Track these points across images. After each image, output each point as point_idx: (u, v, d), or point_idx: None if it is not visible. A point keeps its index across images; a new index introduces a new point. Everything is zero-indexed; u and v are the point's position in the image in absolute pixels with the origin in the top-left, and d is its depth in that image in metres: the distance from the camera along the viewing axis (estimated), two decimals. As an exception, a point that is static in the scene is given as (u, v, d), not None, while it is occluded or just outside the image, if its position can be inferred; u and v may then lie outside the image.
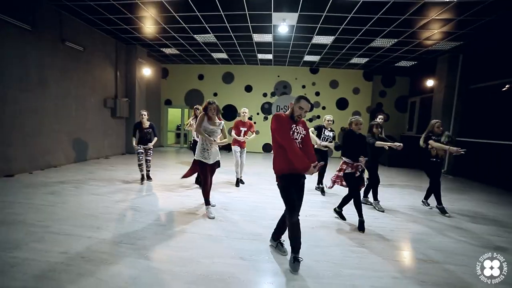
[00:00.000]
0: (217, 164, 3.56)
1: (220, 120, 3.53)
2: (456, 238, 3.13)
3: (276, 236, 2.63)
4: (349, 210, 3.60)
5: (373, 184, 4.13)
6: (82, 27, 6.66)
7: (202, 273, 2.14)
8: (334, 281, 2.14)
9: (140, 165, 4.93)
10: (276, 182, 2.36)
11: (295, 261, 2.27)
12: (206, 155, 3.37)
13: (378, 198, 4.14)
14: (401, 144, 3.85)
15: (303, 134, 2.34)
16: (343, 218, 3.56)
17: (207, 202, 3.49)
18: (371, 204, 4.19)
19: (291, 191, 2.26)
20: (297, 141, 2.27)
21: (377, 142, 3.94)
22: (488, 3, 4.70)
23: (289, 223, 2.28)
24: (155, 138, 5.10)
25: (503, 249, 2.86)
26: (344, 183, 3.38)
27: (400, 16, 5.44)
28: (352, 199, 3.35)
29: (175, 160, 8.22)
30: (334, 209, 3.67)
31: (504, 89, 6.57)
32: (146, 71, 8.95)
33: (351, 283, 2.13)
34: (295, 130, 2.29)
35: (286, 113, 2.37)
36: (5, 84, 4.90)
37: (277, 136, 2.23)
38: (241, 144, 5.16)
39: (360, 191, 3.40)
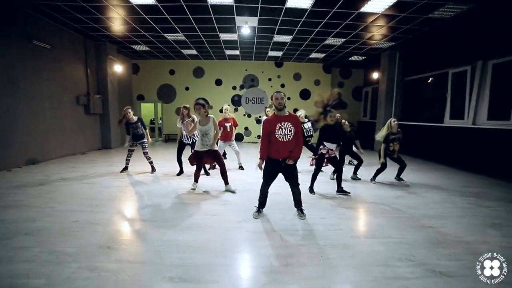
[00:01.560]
0: (212, 153, 4.18)
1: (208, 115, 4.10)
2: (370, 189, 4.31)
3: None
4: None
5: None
6: (48, 25, 6.74)
7: (185, 225, 2.97)
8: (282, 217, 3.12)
9: (127, 158, 5.53)
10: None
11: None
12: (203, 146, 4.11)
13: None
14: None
15: (291, 128, 2.90)
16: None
17: (196, 180, 4.32)
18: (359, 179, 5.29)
19: (269, 171, 3.05)
20: (284, 135, 2.88)
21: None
22: (403, 16, 5.94)
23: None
24: (147, 131, 5.50)
25: (401, 197, 4.09)
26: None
27: (343, 21, 6.48)
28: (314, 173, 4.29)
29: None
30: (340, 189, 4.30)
31: (429, 81, 8.07)
32: (118, 68, 9.17)
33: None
34: (281, 126, 2.90)
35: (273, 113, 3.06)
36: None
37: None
38: (224, 138, 5.59)
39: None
